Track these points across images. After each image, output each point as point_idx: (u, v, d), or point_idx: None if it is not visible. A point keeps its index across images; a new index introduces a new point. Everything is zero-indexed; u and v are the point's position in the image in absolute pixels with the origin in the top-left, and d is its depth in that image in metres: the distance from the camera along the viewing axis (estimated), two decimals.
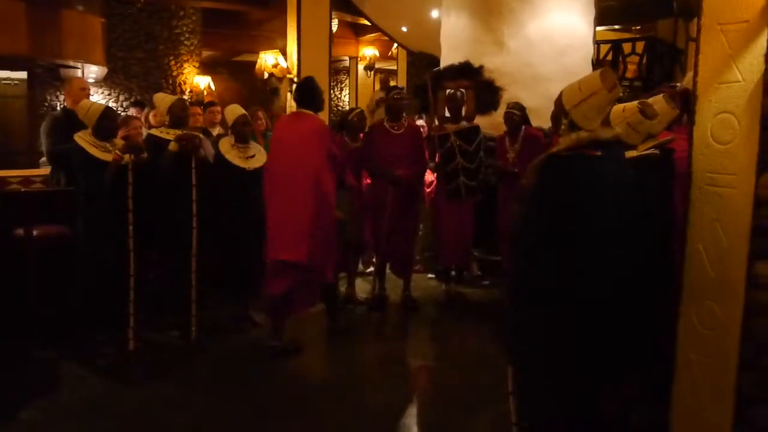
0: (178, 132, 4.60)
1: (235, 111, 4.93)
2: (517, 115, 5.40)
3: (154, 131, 4.75)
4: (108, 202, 4.27)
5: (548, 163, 2.59)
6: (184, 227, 4.51)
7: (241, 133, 4.87)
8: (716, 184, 2.66)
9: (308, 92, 4.48)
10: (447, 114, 5.54)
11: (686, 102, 3.11)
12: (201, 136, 4.77)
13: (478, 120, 5.54)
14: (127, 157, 4.29)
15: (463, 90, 5.47)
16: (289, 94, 6.69)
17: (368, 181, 5.63)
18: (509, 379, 2.94)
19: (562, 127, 2.61)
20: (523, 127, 5.46)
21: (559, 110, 2.63)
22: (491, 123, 5.75)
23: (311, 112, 4.45)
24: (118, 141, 4.48)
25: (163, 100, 4.87)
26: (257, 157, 4.88)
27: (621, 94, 8.56)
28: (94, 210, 4.30)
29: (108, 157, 4.29)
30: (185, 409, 3.66)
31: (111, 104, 9.79)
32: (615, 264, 2.48)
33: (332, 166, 4.41)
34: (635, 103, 3.04)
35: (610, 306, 2.48)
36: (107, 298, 4.35)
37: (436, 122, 5.66)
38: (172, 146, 4.47)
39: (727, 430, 2.61)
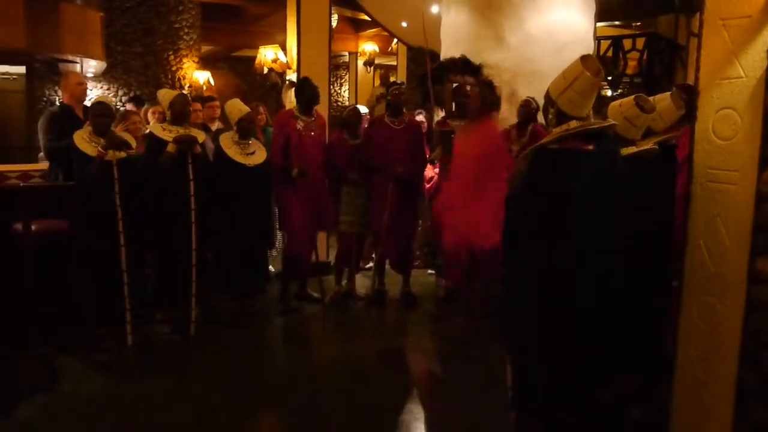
0: (179, 129, 4.59)
1: (239, 107, 4.91)
2: (534, 106, 5.40)
3: (155, 129, 4.72)
4: (98, 198, 4.27)
5: (538, 156, 2.58)
6: (183, 222, 4.50)
7: (247, 130, 4.86)
8: (718, 180, 2.65)
9: None
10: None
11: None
12: (202, 135, 4.75)
13: None
14: (111, 153, 4.27)
15: (469, 86, 5.43)
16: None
17: None
18: (508, 374, 2.93)
19: (550, 117, 2.61)
20: (532, 123, 5.44)
21: (547, 102, 2.63)
22: None
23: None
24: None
25: (165, 94, 4.84)
26: (257, 153, 4.87)
27: (620, 90, 8.52)
28: (88, 205, 4.30)
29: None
30: (185, 404, 3.66)
31: (111, 99, 9.74)
32: (603, 259, 2.48)
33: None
34: (631, 97, 3.03)
35: (597, 301, 2.48)
36: (105, 293, 4.35)
37: (439, 115, 5.63)
38: (171, 148, 4.46)
39: (727, 426, 2.61)
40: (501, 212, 4.44)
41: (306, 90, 5.32)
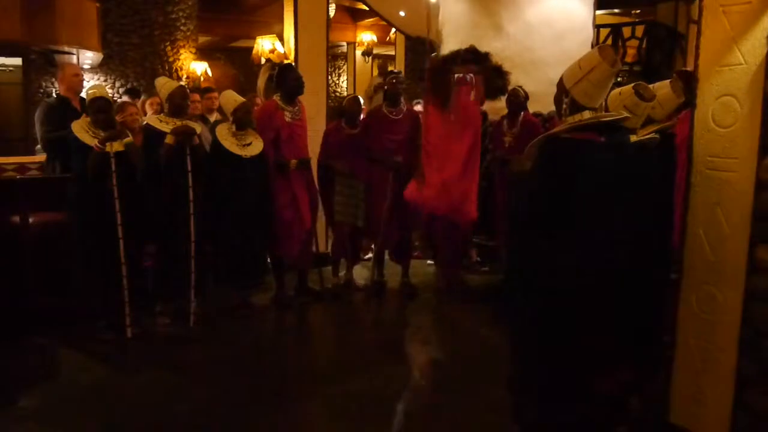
0: (176, 121, 4.57)
1: (234, 97, 4.88)
2: (522, 94, 5.37)
3: (152, 121, 4.69)
4: (96, 190, 4.25)
5: (549, 145, 2.56)
6: (181, 214, 4.49)
7: (243, 120, 4.83)
8: (717, 168, 2.64)
9: None
10: None
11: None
12: (199, 127, 4.72)
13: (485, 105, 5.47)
14: (108, 146, 4.25)
15: (471, 75, 5.38)
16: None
17: None
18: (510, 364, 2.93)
19: (564, 107, 2.58)
20: (522, 112, 5.43)
21: (561, 91, 2.60)
22: (492, 108, 5.71)
23: None
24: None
25: (164, 84, 4.81)
26: (254, 144, 4.84)
27: (620, 79, 8.48)
28: (86, 197, 4.29)
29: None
30: (184, 395, 3.66)
31: (107, 90, 9.70)
32: (608, 250, 2.47)
33: None
34: (630, 86, 3.01)
35: (605, 291, 2.47)
36: (104, 285, 4.35)
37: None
38: (169, 139, 4.44)
39: (726, 415, 2.61)
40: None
41: (289, 79, 5.05)
